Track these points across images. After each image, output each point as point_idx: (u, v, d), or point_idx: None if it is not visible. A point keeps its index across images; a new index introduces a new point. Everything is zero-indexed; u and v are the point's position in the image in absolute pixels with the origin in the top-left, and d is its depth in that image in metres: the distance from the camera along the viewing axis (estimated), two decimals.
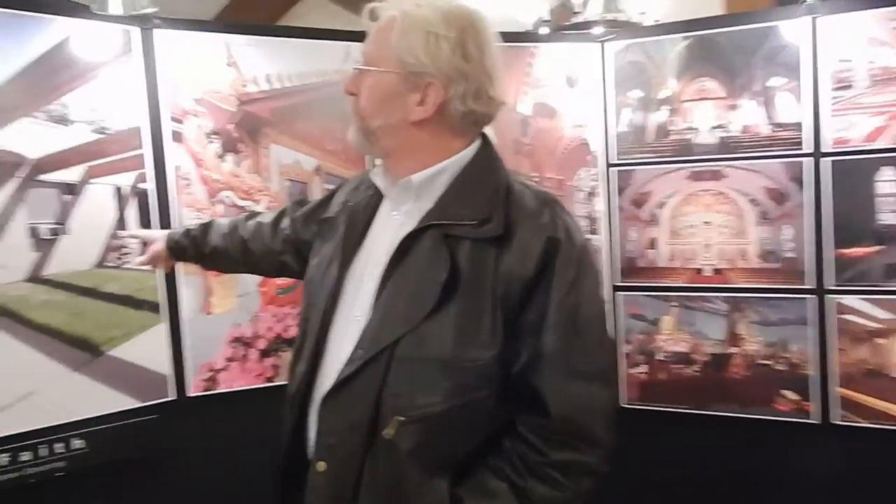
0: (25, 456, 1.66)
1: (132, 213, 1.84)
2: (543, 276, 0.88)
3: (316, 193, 2.07)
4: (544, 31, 2.87)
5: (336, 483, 0.91)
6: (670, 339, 2.21)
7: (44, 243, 1.71)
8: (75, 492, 1.72)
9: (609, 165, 2.25)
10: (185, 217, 1.90)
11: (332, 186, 2.01)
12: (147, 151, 1.86)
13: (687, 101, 2.14)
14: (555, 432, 0.88)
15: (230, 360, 1.95)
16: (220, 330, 1.94)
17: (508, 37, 2.16)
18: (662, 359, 2.20)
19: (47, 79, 1.72)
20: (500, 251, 0.89)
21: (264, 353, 1.98)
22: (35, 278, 1.70)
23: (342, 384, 0.91)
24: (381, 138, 0.96)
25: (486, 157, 0.97)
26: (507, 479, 0.88)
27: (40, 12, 1.70)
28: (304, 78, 2.03)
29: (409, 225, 0.93)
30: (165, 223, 1.87)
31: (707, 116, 2.13)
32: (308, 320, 1.03)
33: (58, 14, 1.73)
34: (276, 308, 2.00)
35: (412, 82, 0.91)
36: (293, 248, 1.34)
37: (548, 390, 0.88)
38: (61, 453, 1.71)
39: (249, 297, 1.98)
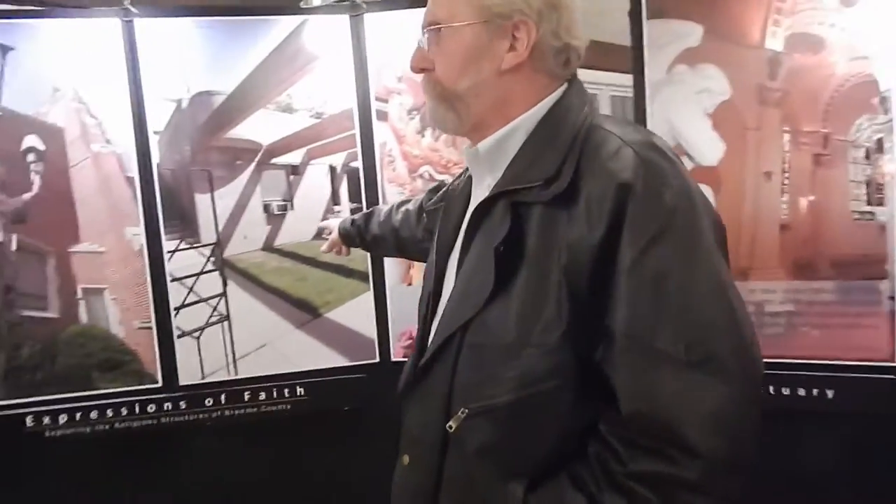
0: (262, 396, 1.97)
1: (344, 190, 1.99)
2: (615, 235, 0.70)
3: None
4: None
5: (417, 478, 0.85)
6: None
7: (274, 218, 1.97)
8: (298, 430, 1.98)
9: None
10: (389, 192, 1.97)
11: None
12: (357, 132, 1.97)
13: None
14: (638, 434, 0.70)
15: None
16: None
17: None
18: None
19: (276, 73, 1.94)
20: (569, 212, 0.73)
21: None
22: (268, 248, 1.97)
23: (421, 373, 0.85)
24: (471, 103, 0.83)
25: (567, 102, 0.82)
26: (587, 490, 0.72)
27: (267, 15, 1.91)
28: None
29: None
30: (372, 199, 1.98)
31: None
32: (420, 314, 0.98)
33: (280, 14, 1.92)
34: None
35: (498, 27, 0.80)
36: (431, 237, 1.30)
37: (618, 379, 0.71)
38: (287, 398, 1.98)
39: None
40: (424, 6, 1.90)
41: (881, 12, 1.58)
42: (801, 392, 1.67)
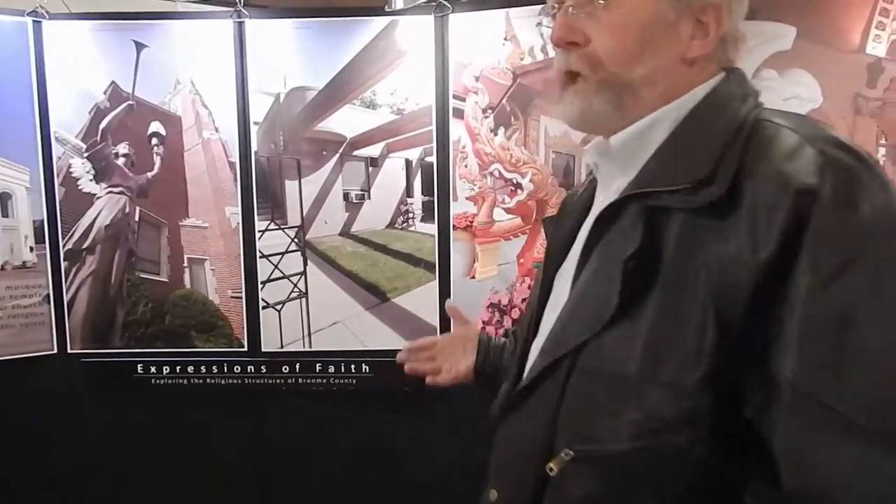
0: (331, 369, 2.08)
1: (418, 183, 2.04)
2: (788, 256, 0.54)
3: (583, 167, 1.87)
4: None
5: None
6: None
7: (353, 206, 2.07)
8: (362, 405, 2.08)
9: None
10: (460, 188, 1.99)
11: None
12: (434, 128, 2.00)
13: None
14: None
15: (486, 323, 1.99)
16: (481, 294, 2.00)
17: None
18: None
19: (363, 71, 2.02)
20: (724, 223, 0.58)
21: (517, 322, 1.95)
22: (345, 233, 2.07)
23: (519, 398, 0.72)
24: (643, 94, 0.67)
25: (724, 91, 0.66)
26: None
27: (358, 16, 2.00)
28: None
29: None
30: (444, 192, 2.01)
31: None
32: (521, 331, 0.85)
33: (369, 16, 1.99)
34: (531, 280, 1.93)
35: (687, 5, 0.65)
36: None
37: (782, 444, 0.55)
38: (354, 373, 2.08)
39: (508, 267, 1.97)
40: (506, 6, 1.89)
41: None
42: None
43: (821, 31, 1.57)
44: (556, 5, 0.69)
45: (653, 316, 0.60)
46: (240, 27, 2.02)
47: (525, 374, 0.75)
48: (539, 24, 0.74)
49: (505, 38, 1.91)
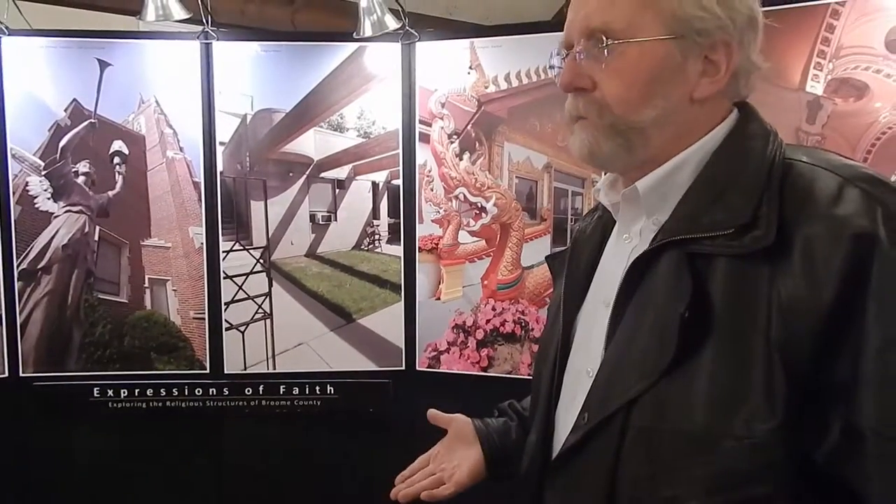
0: (295, 391, 2.08)
1: (384, 205, 2.08)
2: (852, 302, 0.55)
3: (545, 192, 1.95)
4: None
5: None
6: None
7: (319, 227, 2.09)
8: (327, 427, 2.08)
9: None
10: (426, 211, 2.04)
11: (561, 185, 1.90)
12: (400, 152, 2.05)
13: None
14: None
15: (451, 344, 2.03)
16: (446, 315, 2.04)
17: None
18: None
19: (331, 95, 2.06)
20: (775, 269, 0.58)
21: (481, 343, 2.00)
22: (311, 254, 2.09)
23: (565, 458, 0.69)
24: (652, 135, 0.66)
25: (745, 130, 0.67)
26: None
27: (325, 41, 2.04)
28: (546, 72, 1.92)
29: (643, 248, 0.68)
30: (409, 215, 2.05)
31: None
32: (538, 379, 0.82)
33: (337, 41, 2.04)
34: (495, 302, 1.99)
35: (694, 44, 0.64)
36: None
37: (875, 493, 0.55)
38: (319, 394, 2.08)
39: (473, 289, 2.02)
40: (471, 36, 1.96)
41: None
42: None
43: (764, 70, 1.69)
44: (565, 51, 0.69)
45: (711, 366, 0.58)
46: (207, 48, 2.04)
47: (556, 429, 0.74)
48: (551, 66, 0.73)
49: (470, 67, 1.98)
